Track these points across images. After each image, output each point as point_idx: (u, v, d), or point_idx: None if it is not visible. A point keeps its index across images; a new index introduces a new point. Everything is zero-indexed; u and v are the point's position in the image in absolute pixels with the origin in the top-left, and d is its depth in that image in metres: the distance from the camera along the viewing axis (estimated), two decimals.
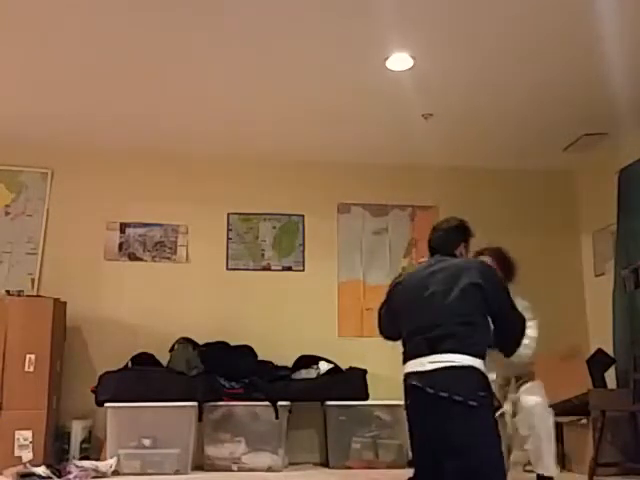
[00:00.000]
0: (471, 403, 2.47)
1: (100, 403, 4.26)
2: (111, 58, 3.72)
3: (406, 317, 2.78)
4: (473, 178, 5.40)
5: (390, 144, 4.97)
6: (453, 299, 2.59)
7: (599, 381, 4.31)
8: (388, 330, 2.96)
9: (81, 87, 4.07)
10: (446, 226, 2.91)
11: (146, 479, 4.00)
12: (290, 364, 4.74)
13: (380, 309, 2.96)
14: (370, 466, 4.38)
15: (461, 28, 3.41)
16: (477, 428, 2.50)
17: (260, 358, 4.74)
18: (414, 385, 2.56)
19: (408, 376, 2.64)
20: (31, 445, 4.11)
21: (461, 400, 2.46)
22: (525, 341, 2.93)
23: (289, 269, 5.15)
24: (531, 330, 3.22)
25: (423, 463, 2.65)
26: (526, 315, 2.94)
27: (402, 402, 4.26)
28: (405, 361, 2.70)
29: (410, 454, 2.97)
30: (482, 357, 2.58)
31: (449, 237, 2.87)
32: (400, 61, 3.73)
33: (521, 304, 3.24)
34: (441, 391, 2.47)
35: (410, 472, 2.82)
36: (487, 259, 3.43)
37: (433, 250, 2.89)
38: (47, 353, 4.27)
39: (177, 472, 4.13)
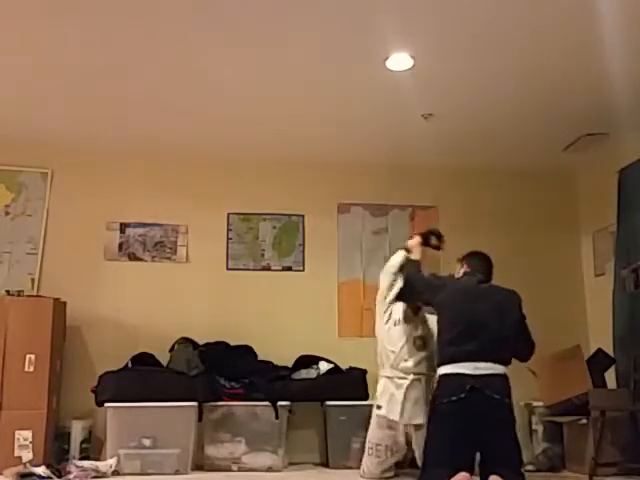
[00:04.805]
0: (507, 401, 3.30)
1: (100, 403, 4.25)
2: (111, 58, 3.72)
3: (452, 320, 3.46)
4: (473, 178, 5.40)
5: (390, 144, 4.97)
6: (497, 319, 3.38)
7: (599, 381, 4.31)
8: (411, 299, 3.90)
9: (81, 87, 4.07)
10: (486, 258, 3.73)
11: (146, 479, 4.01)
12: (290, 364, 4.73)
13: (421, 278, 3.83)
14: None
15: (461, 28, 3.41)
16: (509, 420, 3.31)
17: (260, 358, 4.74)
18: (472, 387, 3.24)
19: (459, 376, 3.29)
20: (31, 445, 4.10)
21: (504, 399, 3.28)
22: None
23: (289, 269, 5.15)
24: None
25: (460, 450, 3.23)
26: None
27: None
28: (450, 361, 3.35)
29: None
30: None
31: (489, 268, 3.72)
32: (400, 61, 3.72)
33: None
34: (495, 394, 3.25)
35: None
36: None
37: (474, 271, 3.69)
38: (47, 353, 4.26)
39: (177, 472, 4.13)
